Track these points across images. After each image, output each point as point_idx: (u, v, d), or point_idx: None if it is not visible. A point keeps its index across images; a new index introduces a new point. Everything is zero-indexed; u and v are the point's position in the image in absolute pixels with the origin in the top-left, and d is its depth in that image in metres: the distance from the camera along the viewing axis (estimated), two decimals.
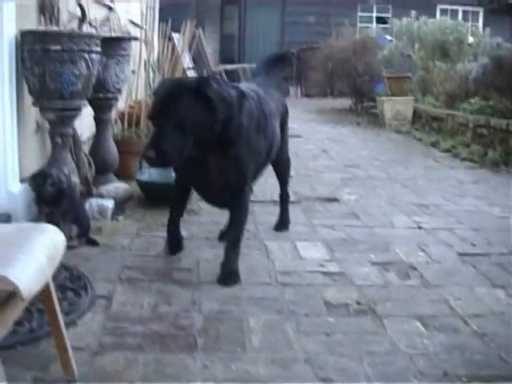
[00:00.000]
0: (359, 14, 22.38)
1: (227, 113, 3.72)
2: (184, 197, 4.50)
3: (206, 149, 3.79)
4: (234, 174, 4.00)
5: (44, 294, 2.55)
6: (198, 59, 15.75)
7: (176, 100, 3.65)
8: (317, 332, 3.35)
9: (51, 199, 4.46)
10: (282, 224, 5.17)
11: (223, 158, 3.90)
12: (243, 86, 4.39)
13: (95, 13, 6.72)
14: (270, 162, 4.60)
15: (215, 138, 3.76)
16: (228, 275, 3.99)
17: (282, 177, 5.19)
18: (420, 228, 5.41)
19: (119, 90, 5.89)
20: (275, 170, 5.09)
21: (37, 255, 2.29)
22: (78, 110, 4.83)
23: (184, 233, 4.67)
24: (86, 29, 5.80)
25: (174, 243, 4.47)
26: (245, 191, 4.14)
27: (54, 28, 5.14)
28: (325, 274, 4.23)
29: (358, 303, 3.74)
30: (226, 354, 3.08)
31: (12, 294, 2.19)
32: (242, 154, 3.97)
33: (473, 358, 3.14)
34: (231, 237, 4.17)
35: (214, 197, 4.35)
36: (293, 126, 12.03)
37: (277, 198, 5.29)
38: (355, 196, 6.57)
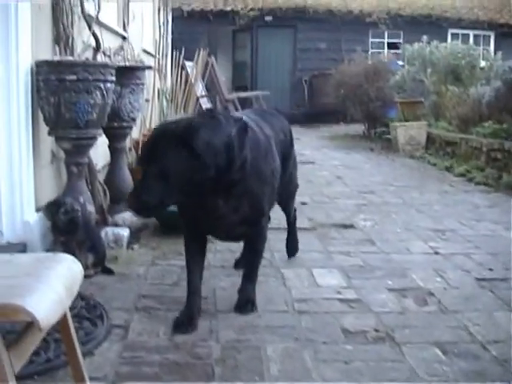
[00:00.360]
0: (371, 39, 22.38)
1: (216, 161, 3.46)
2: (198, 248, 4.00)
3: (211, 193, 3.59)
4: (249, 210, 3.82)
5: (61, 323, 2.54)
6: (211, 87, 15.80)
7: (160, 148, 3.47)
8: (335, 360, 3.33)
9: (65, 228, 4.46)
10: (292, 247, 5.14)
11: (235, 197, 3.72)
12: (244, 114, 4.34)
13: (109, 42, 6.76)
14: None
15: (219, 182, 3.54)
16: (245, 303, 3.97)
17: (286, 207, 5.00)
18: (437, 253, 5.38)
19: (133, 119, 5.91)
20: (279, 195, 4.59)
21: (55, 285, 2.28)
22: (93, 139, 4.84)
23: None
24: (100, 58, 5.84)
25: (189, 315, 3.80)
26: (262, 221, 4.04)
27: (69, 58, 5.17)
28: (342, 301, 4.20)
29: (376, 330, 3.71)
30: (244, 383, 3.07)
31: (30, 325, 2.18)
32: (254, 188, 3.80)
33: None
34: (249, 266, 4.14)
35: (229, 234, 4.13)
36: (306, 152, 12.17)
37: None
38: (371, 222, 6.55)
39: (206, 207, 3.71)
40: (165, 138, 3.51)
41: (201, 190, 3.52)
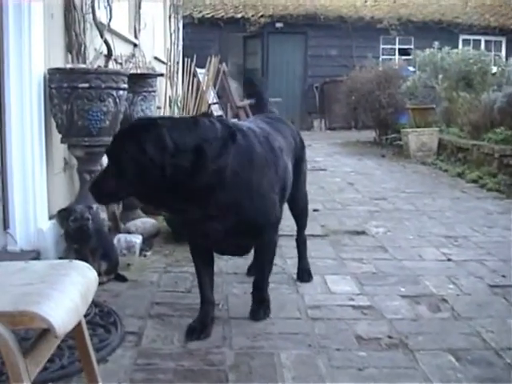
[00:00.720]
0: (382, 46, 22.36)
1: (173, 161, 3.31)
2: (203, 256, 3.93)
3: (183, 196, 3.46)
4: (238, 222, 3.61)
5: (76, 331, 2.55)
6: (222, 94, 15.82)
7: (115, 142, 3.52)
8: (349, 366, 3.32)
9: (75, 235, 4.47)
10: (304, 272, 4.84)
11: (217, 206, 3.52)
12: (252, 122, 4.29)
13: (121, 49, 6.79)
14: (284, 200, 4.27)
15: (185, 185, 3.39)
16: (257, 309, 3.97)
17: (299, 218, 4.91)
18: (449, 260, 5.37)
19: None
20: (291, 210, 4.79)
21: (70, 292, 2.29)
22: (105, 146, 4.84)
23: None
24: (111, 65, 5.86)
25: (203, 322, 3.80)
26: (264, 235, 3.84)
27: (81, 65, 5.20)
28: (355, 307, 4.20)
29: (390, 337, 3.70)
30: None
31: (45, 332, 2.19)
32: (241, 199, 3.58)
33: None
34: (258, 280, 4.01)
35: (223, 247, 3.96)
36: (318, 159, 12.18)
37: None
38: (383, 229, 6.54)
39: (182, 212, 3.67)
40: (120, 133, 3.63)
41: (160, 188, 3.39)
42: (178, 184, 3.38)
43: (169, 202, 3.55)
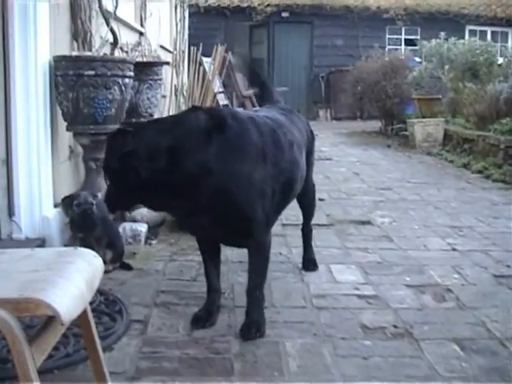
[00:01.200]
0: (388, 36, 22.31)
1: (148, 165, 3.25)
2: (209, 245, 3.88)
3: (181, 196, 3.37)
4: (224, 212, 3.45)
5: (82, 318, 2.55)
6: (227, 83, 15.78)
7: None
8: (354, 355, 3.32)
9: (80, 221, 4.46)
10: (309, 261, 4.82)
11: (210, 199, 3.37)
12: (265, 112, 4.12)
13: (126, 38, 6.78)
14: (294, 195, 4.18)
15: (181, 184, 3.32)
16: (248, 328, 3.60)
17: (307, 209, 4.85)
18: (454, 250, 5.37)
19: (151, 115, 5.91)
20: (299, 201, 4.67)
21: (76, 279, 2.29)
22: None
23: None
24: (117, 53, 5.85)
25: (208, 310, 3.78)
26: (254, 225, 3.56)
27: (87, 53, 5.19)
28: (360, 297, 4.20)
29: (395, 326, 3.70)
30: (263, 378, 3.07)
31: (51, 319, 2.19)
32: (227, 189, 3.39)
33: None
34: (250, 288, 3.71)
35: (230, 240, 3.89)
36: (323, 148, 12.18)
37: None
38: (388, 218, 6.54)
39: (188, 211, 3.54)
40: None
41: (148, 191, 3.35)
42: (160, 184, 3.31)
43: (163, 201, 3.47)
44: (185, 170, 3.30)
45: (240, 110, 3.75)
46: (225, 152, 3.40)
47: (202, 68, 9.83)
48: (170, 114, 8.42)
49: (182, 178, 3.31)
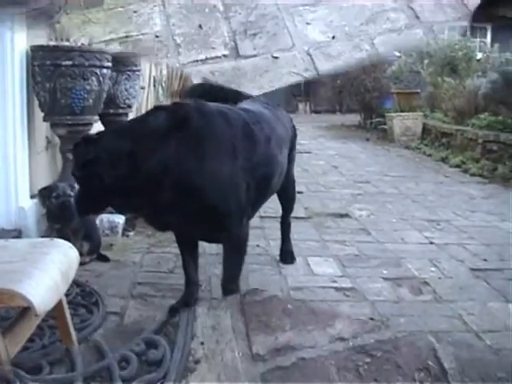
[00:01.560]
0: None
1: (111, 171, 3.27)
2: (185, 238, 3.88)
3: (148, 195, 3.37)
4: (200, 206, 3.44)
5: (57, 310, 2.53)
6: None
7: None
8: None
9: (58, 212, 4.44)
10: (287, 254, 4.80)
11: (177, 195, 3.38)
12: (244, 105, 4.14)
13: None
14: (273, 190, 4.19)
15: (147, 184, 3.33)
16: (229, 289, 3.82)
17: (287, 203, 4.86)
18: (431, 243, 5.39)
19: (129, 106, 5.86)
20: (279, 195, 4.66)
21: (51, 271, 2.28)
22: (88, 125, 4.82)
23: None
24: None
25: (185, 302, 3.80)
26: (228, 219, 3.60)
27: (65, 43, 5.14)
28: (337, 289, 4.20)
29: (372, 319, 3.70)
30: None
31: (26, 310, 2.17)
32: (195, 182, 3.39)
33: (488, 373, 3.10)
34: (225, 280, 3.83)
35: (199, 235, 3.90)
36: (302, 141, 12.17)
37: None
38: (366, 212, 6.55)
39: (155, 209, 3.52)
40: None
41: (116, 195, 3.39)
42: (125, 188, 3.33)
43: (130, 204, 3.50)
44: (146, 172, 3.31)
45: (212, 103, 3.63)
46: (185, 149, 3.40)
47: None
48: (149, 105, 8.39)
49: (145, 180, 3.32)
